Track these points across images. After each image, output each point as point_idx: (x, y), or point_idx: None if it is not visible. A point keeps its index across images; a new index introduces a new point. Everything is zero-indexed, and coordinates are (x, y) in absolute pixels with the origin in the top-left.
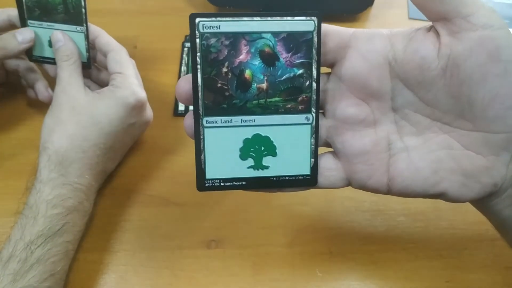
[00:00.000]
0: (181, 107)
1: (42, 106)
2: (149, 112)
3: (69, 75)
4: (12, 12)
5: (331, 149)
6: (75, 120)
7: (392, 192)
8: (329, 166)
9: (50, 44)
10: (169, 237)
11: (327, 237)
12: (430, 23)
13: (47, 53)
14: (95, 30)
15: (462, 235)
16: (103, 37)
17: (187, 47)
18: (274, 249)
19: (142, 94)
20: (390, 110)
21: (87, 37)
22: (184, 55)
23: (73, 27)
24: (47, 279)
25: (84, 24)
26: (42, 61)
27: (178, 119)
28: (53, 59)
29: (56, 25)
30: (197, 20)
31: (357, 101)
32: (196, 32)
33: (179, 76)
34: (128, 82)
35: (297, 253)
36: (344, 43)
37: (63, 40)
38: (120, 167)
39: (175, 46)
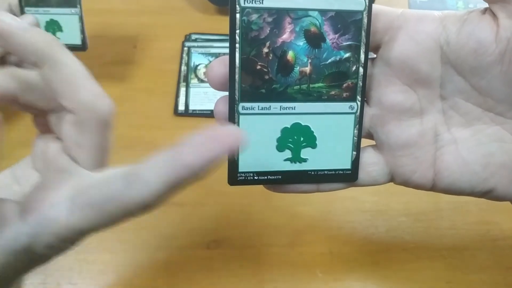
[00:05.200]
0: (181, 106)
1: None
2: None
3: None
4: (12, 1)
5: (371, 142)
6: None
7: (437, 188)
8: (370, 161)
9: (47, 29)
10: (169, 237)
11: (327, 237)
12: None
13: None
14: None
15: (464, 236)
16: None
17: (187, 47)
18: (274, 250)
19: None
20: (438, 99)
21: (81, 19)
22: (184, 55)
23: (67, 10)
24: None
25: (78, 6)
26: None
27: (178, 119)
28: None
29: (52, 10)
30: None
31: (404, 87)
32: (237, 6)
33: (179, 76)
34: None
35: (298, 254)
36: (392, 24)
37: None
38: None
39: (175, 46)
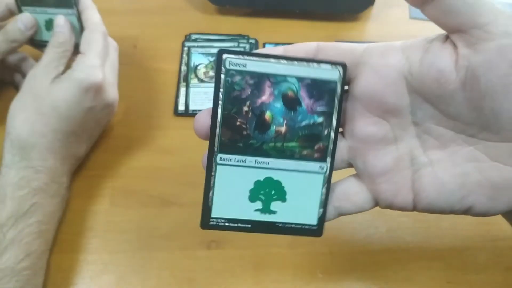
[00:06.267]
0: (181, 106)
1: None
2: (111, 95)
3: (49, 61)
4: (9, 1)
5: (353, 171)
6: (36, 105)
7: (417, 209)
8: (354, 190)
9: (47, 27)
10: (169, 237)
11: (328, 237)
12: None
13: (46, 36)
14: (85, 2)
15: (464, 236)
16: (87, 13)
17: (187, 47)
18: (274, 250)
19: (96, 76)
20: (411, 125)
21: (79, 19)
22: (184, 55)
23: (64, 11)
24: (23, 260)
25: (74, 7)
26: (43, 45)
27: (178, 119)
28: None
29: (49, 10)
30: (224, 56)
31: (376, 119)
32: (222, 67)
33: (179, 76)
34: (86, 63)
35: (298, 254)
36: (357, 60)
37: (62, 26)
38: (120, 167)
39: (175, 45)
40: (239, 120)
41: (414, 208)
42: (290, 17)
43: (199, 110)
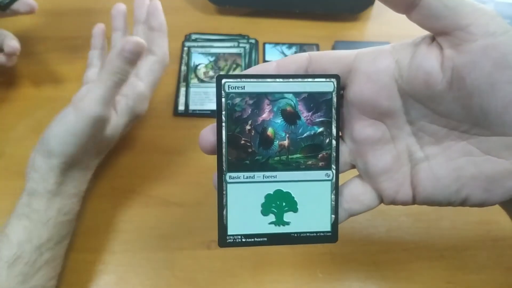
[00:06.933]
0: (181, 106)
1: (41, 105)
2: (144, 110)
3: (107, 92)
4: None
5: (358, 173)
6: (88, 132)
7: (417, 202)
8: (360, 191)
9: None
10: (169, 237)
11: None
12: None
13: None
14: (160, 24)
15: (464, 236)
16: (160, 40)
17: (187, 47)
18: (274, 250)
19: (143, 108)
20: (406, 124)
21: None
22: (184, 55)
23: None
24: (53, 278)
25: None
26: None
27: (178, 119)
28: None
29: None
30: (223, 81)
31: (371, 121)
32: (222, 92)
33: (179, 76)
34: (139, 93)
35: (298, 254)
36: (348, 67)
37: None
38: (120, 167)
39: (175, 45)
40: (243, 139)
41: (414, 202)
42: (290, 17)
43: (199, 110)
